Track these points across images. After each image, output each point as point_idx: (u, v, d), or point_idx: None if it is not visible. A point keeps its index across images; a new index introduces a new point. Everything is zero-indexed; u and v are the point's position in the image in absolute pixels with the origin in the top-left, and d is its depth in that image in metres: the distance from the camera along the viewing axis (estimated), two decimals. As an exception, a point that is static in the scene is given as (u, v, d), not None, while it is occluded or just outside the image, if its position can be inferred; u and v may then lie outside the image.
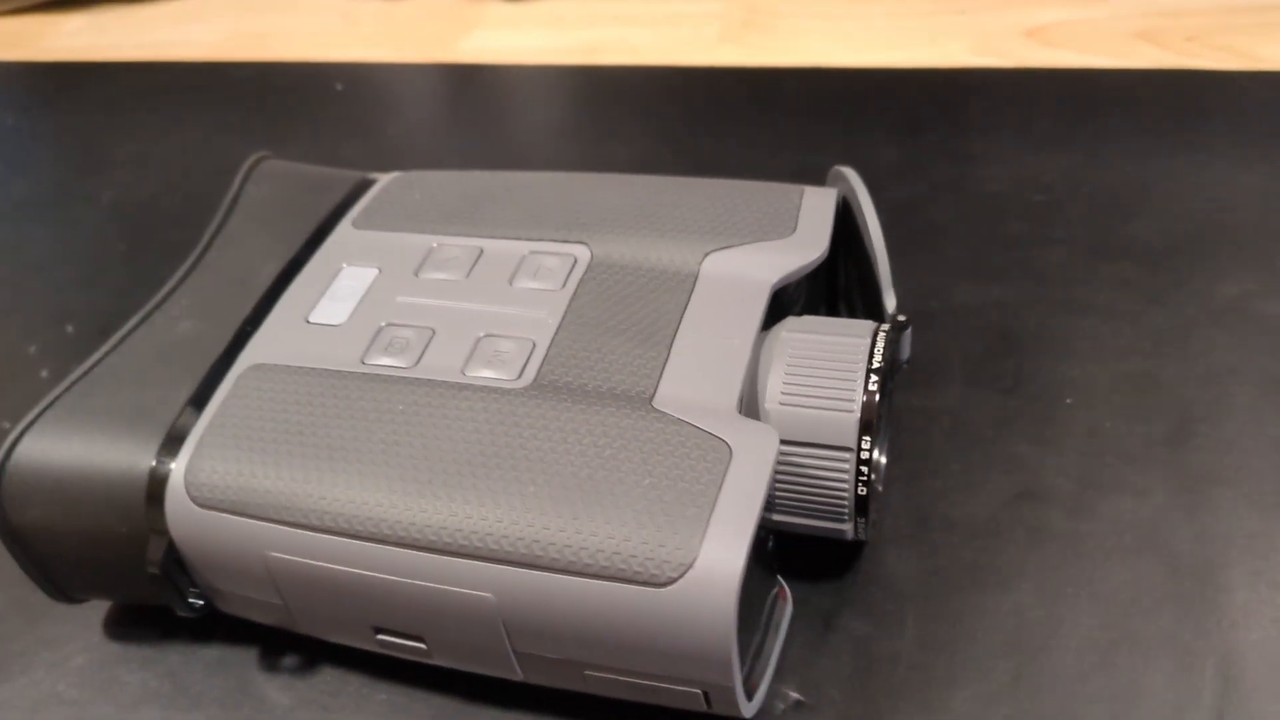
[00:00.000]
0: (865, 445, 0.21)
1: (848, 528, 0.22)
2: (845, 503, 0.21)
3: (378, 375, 0.22)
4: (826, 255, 0.24)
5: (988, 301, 0.30)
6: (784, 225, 0.24)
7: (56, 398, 0.23)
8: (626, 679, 0.20)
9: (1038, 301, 0.30)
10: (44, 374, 0.33)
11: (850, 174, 0.25)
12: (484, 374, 0.22)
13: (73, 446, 0.22)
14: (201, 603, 0.23)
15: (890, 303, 0.24)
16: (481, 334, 0.23)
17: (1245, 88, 0.38)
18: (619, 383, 0.21)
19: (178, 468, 0.21)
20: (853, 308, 0.27)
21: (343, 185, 0.28)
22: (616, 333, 0.22)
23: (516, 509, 0.19)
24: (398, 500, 0.20)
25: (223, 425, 0.21)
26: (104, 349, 0.24)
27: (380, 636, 0.21)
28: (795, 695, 0.22)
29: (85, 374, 0.23)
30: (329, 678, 0.23)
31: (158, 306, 0.25)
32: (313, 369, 0.22)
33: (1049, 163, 0.35)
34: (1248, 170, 0.34)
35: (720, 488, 0.19)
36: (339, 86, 0.45)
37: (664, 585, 0.18)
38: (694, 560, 0.18)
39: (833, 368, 0.21)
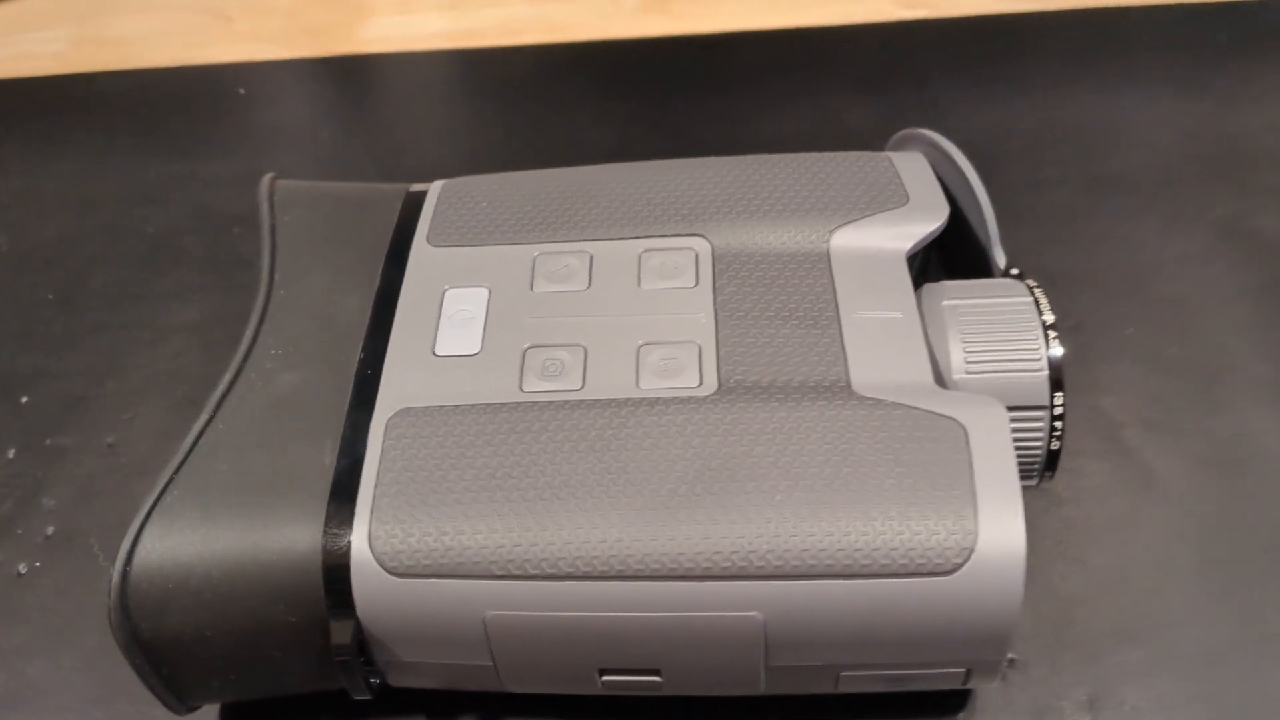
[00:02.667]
0: (1058, 401, 0.21)
1: (1034, 482, 0.22)
2: (1039, 459, 0.21)
3: (548, 402, 0.20)
4: (948, 219, 0.24)
5: (1017, 246, 0.31)
6: (896, 194, 0.24)
7: (168, 483, 0.20)
8: (887, 672, 0.19)
9: (1060, 241, 0.32)
10: (11, 454, 0.28)
11: (935, 136, 0.26)
12: (662, 385, 0.21)
13: (210, 536, 0.19)
14: (378, 680, 0.20)
15: (1001, 258, 0.24)
16: (639, 343, 0.21)
17: (1149, 19, 0.41)
18: (808, 374, 0.21)
19: (358, 538, 0.19)
20: (926, 267, 0.27)
21: (392, 201, 0.25)
22: (778, 323, 0.22)
23: (773, 521, 0.18)
24: (636, 531, 0.18)
25: (394, 482, 0.19)
26: (202, 418, 0.21)
27: (606, 678, 0.20)
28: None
29: (191, 450, 0.20)
30: (521, 733, 0.22)
31: (244, 362, 0.22)
32: (471, 405, 0.20)
33: (1011, 108, 0.37)
34: (1192, 100, 0.36)
35: (971, 466, 0.19)
36: (241, 91, 0.41)
37: (950, 573, 0.18)
38: (975, 543, 0.18)
39: (1010, 330, 0.21)
